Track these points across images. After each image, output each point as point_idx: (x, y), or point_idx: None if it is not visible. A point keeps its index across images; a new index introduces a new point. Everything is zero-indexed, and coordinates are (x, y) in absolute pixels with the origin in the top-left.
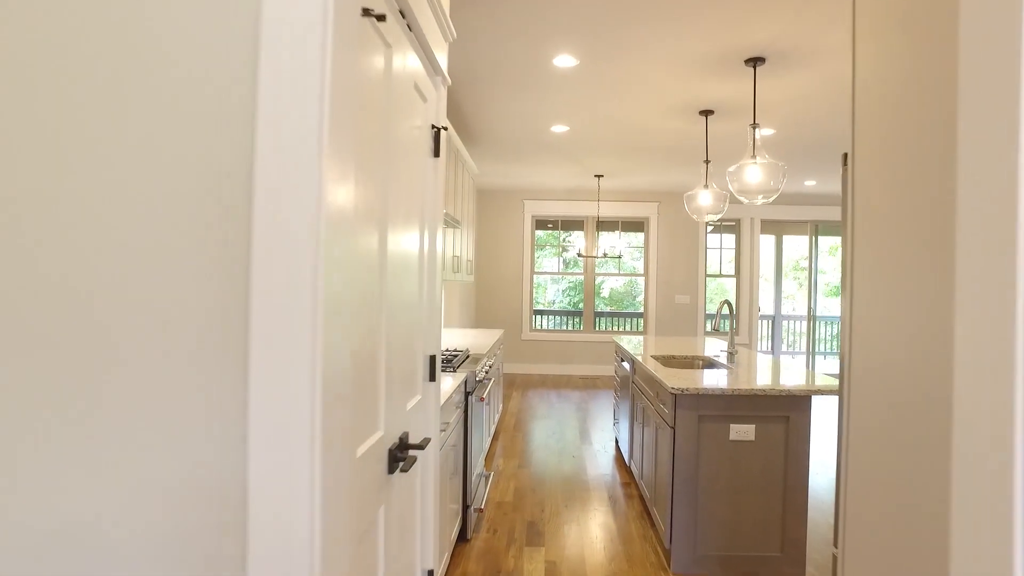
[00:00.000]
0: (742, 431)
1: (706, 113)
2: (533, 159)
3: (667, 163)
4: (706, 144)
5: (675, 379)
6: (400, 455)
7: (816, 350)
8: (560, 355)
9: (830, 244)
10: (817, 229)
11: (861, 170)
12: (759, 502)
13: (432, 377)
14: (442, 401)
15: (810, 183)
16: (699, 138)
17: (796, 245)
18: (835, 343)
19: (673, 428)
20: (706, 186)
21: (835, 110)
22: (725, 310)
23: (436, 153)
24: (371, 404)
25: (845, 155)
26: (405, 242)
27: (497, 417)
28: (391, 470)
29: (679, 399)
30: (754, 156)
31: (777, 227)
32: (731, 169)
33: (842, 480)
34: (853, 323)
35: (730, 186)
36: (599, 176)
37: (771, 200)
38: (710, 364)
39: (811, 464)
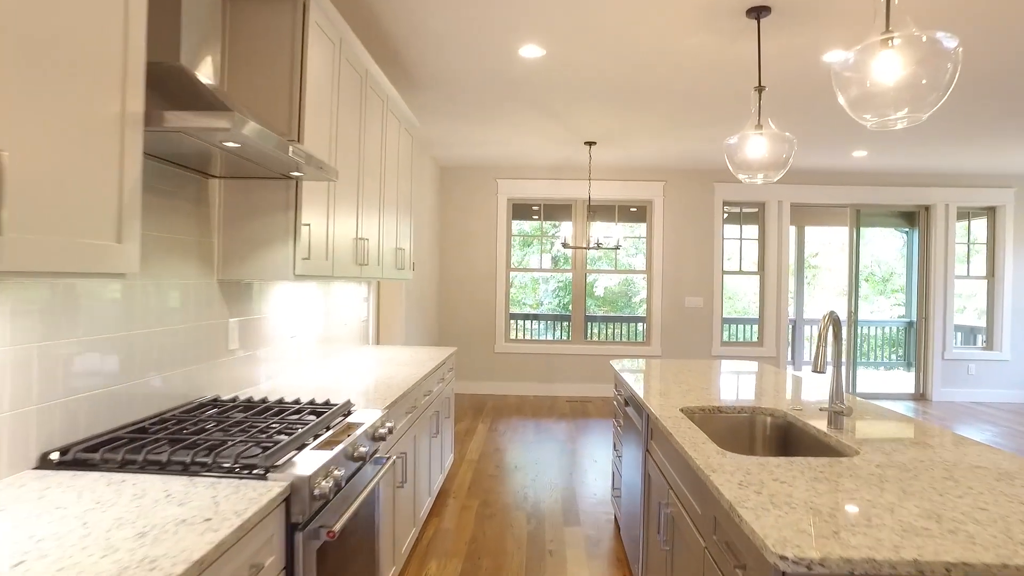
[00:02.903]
0: None
1: (758, 12)
2: (500, 113)
3: (684, 117)
4: (759, 58)
5: (782, 531)
6: None
7: (857, 360)
8: (543, 371)
9: (830, 236)
10: (859, 216)
11: None
12: None
13: None
14: None
15: (859, 154)
16: (737, 66)
17: (811, 237)
18: (876, 351)
19: None
20: (758, 126)
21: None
22: (825, 328)
23: None
24: None
25: None
26: None
27: (441, 479)
28: None
29: None
30: (888, 31)
31: (803, 214)
32: (841, 63)
33: None
34: None
35: (842, 96)
36: (590, 144)
37: (921, 119)
38: (787, 429)
39: None
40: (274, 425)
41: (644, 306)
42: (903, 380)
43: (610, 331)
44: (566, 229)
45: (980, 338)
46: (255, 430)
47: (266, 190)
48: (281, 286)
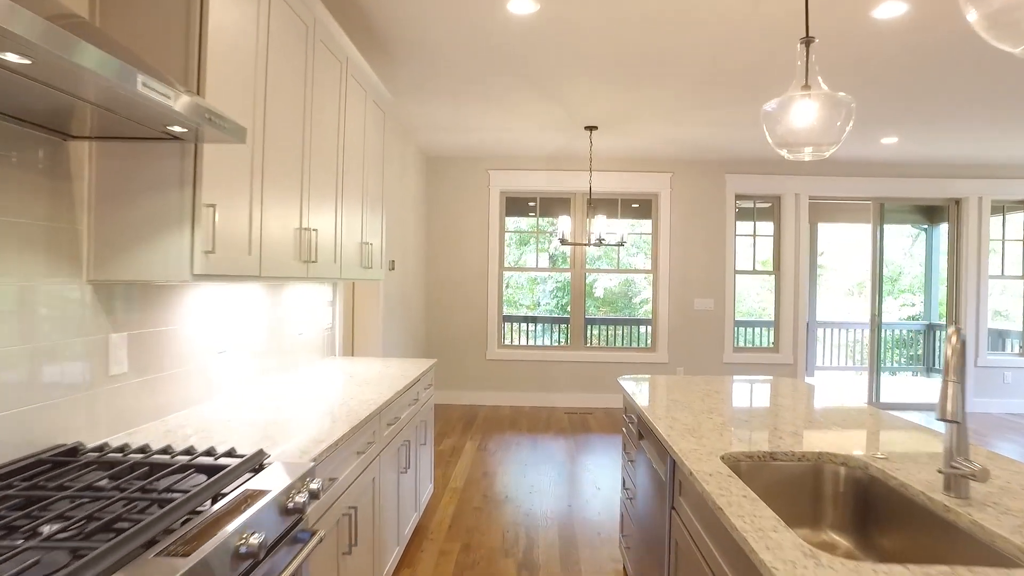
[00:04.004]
0: None
1: None
2: (490, 91)
3: (698, 95)
4: (806, 4)
5: None
6: None
7: (882, 365)
8: (539, 380)
9: (837, 235)
10: (883, 211)
11: None
12: None
13: None
14: None
15: (889, 141)
16: (767, 25)
17: (819, 235)
18: (885, 354)
19: None
20: (805, 87)
21: None
22: (954, 355)
23: None
24: None
25: None
26: None
27: (416, 518)
28: None
29: None
30: None
31: (815, 211)
32: None
33: None
34: None
35: (974, 13)
36: (591, 129)
37: None
38: (869, 487)
39: None
40: (130, 498)
41: (645, 307)
42: (926, 388)
43: (611, 335)
44: (564, 224)
45: (1011, 343)
46: (81, 517)
47: (151, 157)
48: (204, 287)
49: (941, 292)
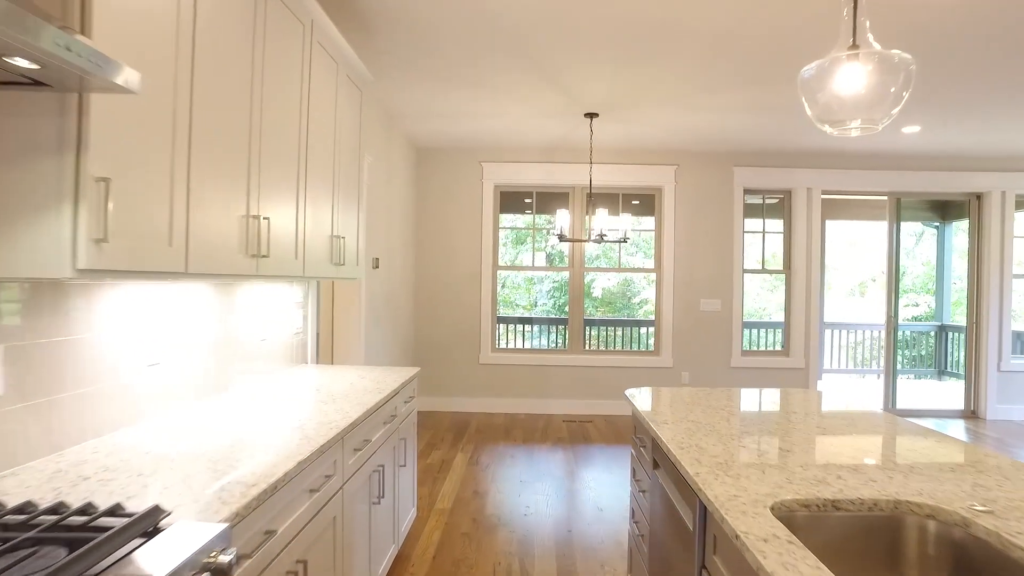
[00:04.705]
0: None
1: None
2: (481, 73)
3: (708, 75)
4: None
5: None
6: None
7: (897, 370)
8: (535, 386)
9: (840, 233)
10: (899, 207)
11: None
12: None
13: None
14: None
15: (911, 130)
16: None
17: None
18: (901, 357)
19: None
20: (853, 47)
21: None
22: None
23: None
24: None
25: None
26: None
27: (393, 552)
28: None
29: None
30: None
31: (825, 207)
32: None
33: None
34: None
35: None
36: (591, 116)
37: None
38: (968, 550)
39: None
40: None
41: (644, 307)
42: (941, 393)
43: (611, 336)
44: (562, 218)
45: None
46: None
47: (16, 113)
48: (130, 286)
49: (952, 292)
